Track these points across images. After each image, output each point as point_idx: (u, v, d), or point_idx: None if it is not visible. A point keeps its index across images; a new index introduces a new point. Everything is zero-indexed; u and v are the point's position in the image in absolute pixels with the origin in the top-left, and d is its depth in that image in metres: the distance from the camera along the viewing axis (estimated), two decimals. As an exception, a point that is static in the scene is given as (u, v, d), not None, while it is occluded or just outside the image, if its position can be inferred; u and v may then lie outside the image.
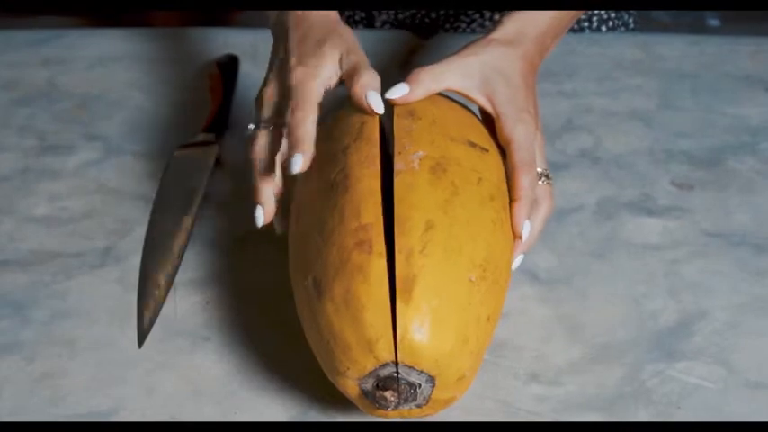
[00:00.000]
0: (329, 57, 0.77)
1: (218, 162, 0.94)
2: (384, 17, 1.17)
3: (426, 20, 1.15)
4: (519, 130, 0.76)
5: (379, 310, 0.65)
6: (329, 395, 0.72)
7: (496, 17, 1.12)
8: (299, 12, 0.81)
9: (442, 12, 1.14)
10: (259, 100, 0.80)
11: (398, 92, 0.76)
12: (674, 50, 1.12)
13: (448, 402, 0.68)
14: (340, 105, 0.78)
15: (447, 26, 1.16)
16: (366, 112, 0.75)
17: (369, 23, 1.18)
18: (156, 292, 0.82)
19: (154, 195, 0.92)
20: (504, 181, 0.75)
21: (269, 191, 0.75)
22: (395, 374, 0.65)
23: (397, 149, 0.71)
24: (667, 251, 0.86)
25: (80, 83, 1.10)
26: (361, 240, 0.67)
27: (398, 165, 0.70)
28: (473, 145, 0.74)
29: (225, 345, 0.79)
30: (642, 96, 1.05)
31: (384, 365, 0.65)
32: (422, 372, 0.65)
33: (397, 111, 0.75)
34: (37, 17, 1.97)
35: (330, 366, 0.68)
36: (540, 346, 0.77)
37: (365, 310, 0.65)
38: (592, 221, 0.89)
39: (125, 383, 0.76)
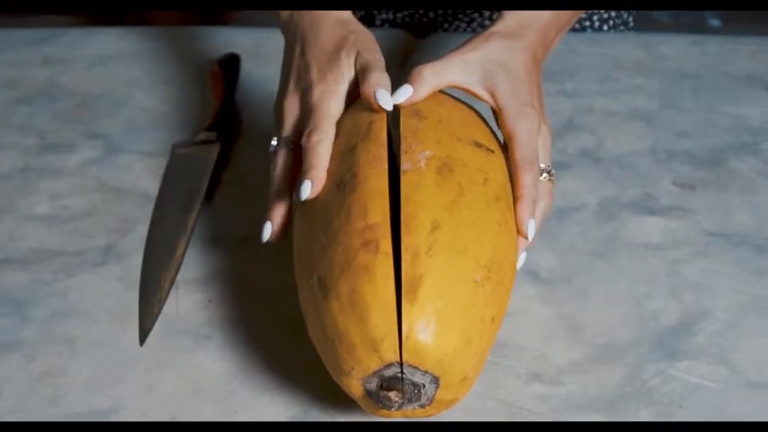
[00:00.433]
0: (346, 65, 0.78)
1: (219, 161, 0.94)
2: (384, 16, 1.17)
3: (424, 19, 1.15)
4: (521, 125, 0.75)
5: (385, 311, 0.65)
6: (331, 395, 0.72)
7: (495, 16, 1.12)
8: (319, 15, 0.82)
9: (440, 11, 1.14)
10: (279, 112, 0.80)
11: (403, 95, 0.75)
12: (676, 50, 1.12)
13: (451, 403, 0.68)
14: (348, 104, 0.78)
15: (446, 26, 1.16)
16: (375, 110, 0.75)
17: (369, 23, 1.18)
18: (158, 291, 0.82)
19: (155, 194, 0.92)
20: (509, 181, 0.75)
21: (280, 210, 0.76)
22: (399, 375, 0.65)
23: (403, 149, 0.71)
24: (669, 251, 0.86)
25: (81, 82, 1.10)
26: (367, 240, 0.67)
27: (405, 164, 0.70)
28: (479, 145, 0.74)
29: (226, 344, 0.78)
30: (643, 96, 1.05)
31: (389, 365, 0.65)
32: (426, 372, 0.65)
33: (403, 110, 0.75)
34: (37, 16, 1.97)
35: (334, 366, 0.68)
36: (541, 346, 0.77)
37: (371, 310, 0.65)
38: (593, 221, 0.89)
39: (125, 382, 0.76)
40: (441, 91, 0.79)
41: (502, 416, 0.72)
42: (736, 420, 0.72)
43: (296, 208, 0.75)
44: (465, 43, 0.79)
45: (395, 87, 0.76)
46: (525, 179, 0.74)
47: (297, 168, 0.76)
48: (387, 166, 0.71)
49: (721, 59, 1.10)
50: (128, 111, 1.06)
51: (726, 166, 0.95)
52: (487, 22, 1.14)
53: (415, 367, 0.65)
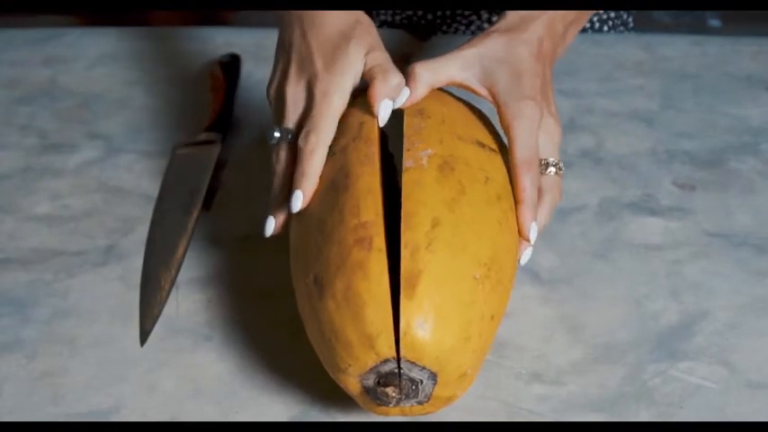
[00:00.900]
0: (355, 59, 0.76)
1: (220, 161, 0.94)
2: (383, 17, 1.17)
3: (423, 21, 1.15)
4: (519, 122, 0.74)
5: (380, 307, 0.65)
6: (330, 394, 0.72)
7: (495, 18, 1.12)
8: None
9: (439, 13, 1.14)
10: (281, 100, 0.78)
11: (401, 98, 0.75)
12: (676, 51, 1.12)
13: (449, 400, 0.68)
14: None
15: (444, 27, 1.15)
16: (372, 114, 0.74)
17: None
18: (158, 291, 0.82)
19: (156, 194, 0.92)
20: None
21: (283, 206, 0.75)
22: (396, 370, 0.65)
23: (405, 146, 0.71)
24: (669, 251, 0.86)
25: (81, 82, 1.10)
26: (361, 237, 0.67)
27: (407, 162, 0.70)
28: (481, 144, 0.74)
29: (226, 344, 0.79)
30: (644, 97, 1.05)
31: (385, 361, 0.65)
32: (424, 368, 0.65)
33: (406, 110, 0.75)
34: (38, 16, 1.97)
35: (331, 363, 0.68)
36: (541, 347, 0.77)
37: (366, 306, 0.65)
38: (594, 222, 0.89)
39: (126, 382, 0.76)
40: (444, 91, 0.79)
41: (502, 416, 0.72)
42: (736, 421, 0.72)
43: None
44: (463, 43, 0.79)
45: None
46: (524, 182, 0.73)
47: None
48: (378, 165, 0.71)
49: (722, 60, 1.10)
50: (128, 111, 1.06)
51: (726, 167, 0.95)
52: (486, 25, 1.14)
53: (412, 363, 0.65)
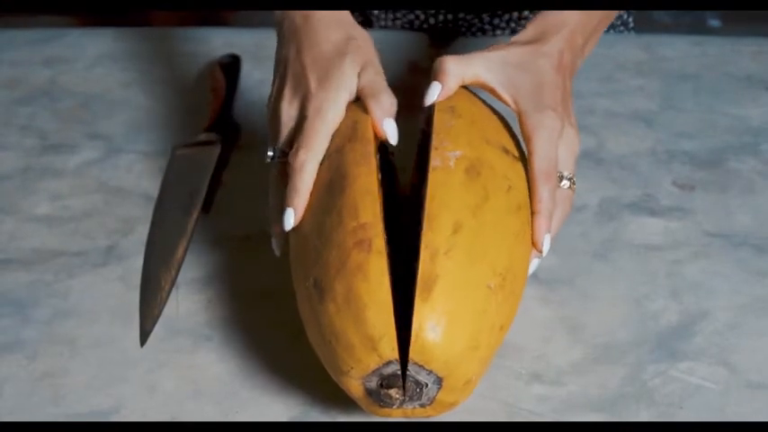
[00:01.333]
0: (348, 75, 0.76)
1: (219, 161, 0.94)
2: (401, 20, 1.16)
3: (440, 24, 1.15)
4: (540, 134, 0.74)
5: (381, 309, 0.65)
6: (331, 395, 0.72)
7: (517, 17, 1.12)
8: (314, 15, 0.80)
9: (461, 16, 1.14)
10: (275, 119, 0.78)
11: (434, 94, 0.75)
12: (676, 51, 1.12)
13: (452, 405, 0.68)
14: None
15: (464, 29, 1.15)
16: (379, 136, 0.74)
17: (368, 25, 1.18)
18: (158, 292, 0.82)
19: (156, 195, 0.92)
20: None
21: (281, 225, 0.74)
22: (398, 372, 0.65)
23: (434, 144, 0.71)
24: (669, 251, 0.86)
25: (81, 82, 1.10)
26: (360, 239, 0.67)
27: (435, 161, 0.70)
28: (506, 151, 0.73)
29: (226, 344, 0.79)
30: (644, 97, 1.05)
31: (387, 363, 0.65)
32: (431, 372, 0.65)
33: (438, 105, 0.75)
34: (38, 17, 1.97)
35: (333, 366, 0.68)
36: (541, 347, 0.77)
37: (367, 308, 0.65)
38: (594, 222, 0.89)
39: (126, 382, 0.76)
40: (470, 91, 0.78)
41: (502, 416, 0.72)
42: (736, 421, 0.72)
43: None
44: (486, 48, 0.78)
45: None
46: (542, 193, 0.73)
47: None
48: (375, 165, 0.71)
49: (722, 60, 1.10)
50: (128, 111, 1.06)
51: (726, 167, 0.95)
52: (509, 26, 1.13)
53: (420, 366, 0.65)
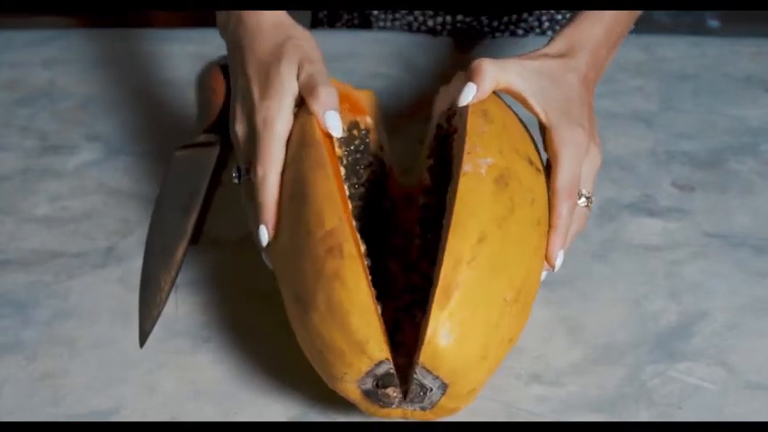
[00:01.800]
0: (287, 77, 0.75)
1: (219, 162, 0.94)
2: (429, 23, 1.15)
3: (438, 26, 1.14)
4: (567, 148, 0.73)
5: (364, 312, 0.65)
6: (330, 396, 0.72)
7: (511, 27, 1.12)
8: (251, 21, 0.79)
9: (459, 18, 1.13)
10: (233, 136, 0.78)
11: (469, 95, 0.74)
12: (676, 52, 1.12)
13: (452, 411, 0.68)
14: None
15: (463, 31, 1.14)
16: (324, 129, 0.74)
17: (365, 24, 1.17)
18: (158, 293, 0.82)
19: (155, 196, 0.92)
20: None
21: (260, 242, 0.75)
22: (392, 371, 0.66)
23: (467, 148, 0.70)
24: (668, 252, 0.86)
25: (81, 83, 1.10)
26: (330, 246, 0.67)
27: (466, 165, 0.69)
28: (531, 162, 0.73)
29: (225, 345, 0.79)
30: (643, 98, 1.05)
31: (379, 364, 0.65)
32: (437, 377, 0.65)
33: (471, 107, 0.74)
34: (37, 18, 1.97)
35: (328, 374, 0.68)
36: (541, 347, 0.78)
37: (350, 314, 0.65)
38: (593, 223, 0.89)
39: (126, 383, 0.76)
40: (500, 97, 0.77)
41: (501, 417, 0.73)
42: (734, 421, 0.72)
43: None
44: (518, 55, 0.77)
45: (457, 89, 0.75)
46: (562, 209, 0.72)
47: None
48: (331, 167, 0.70)
49: (721, 61, 1.10)
50: (128, 112, 1.06)
51: (725, 168, 0.96)
52: (517, 31, 1.13)
53: (428, 371, 0.65)
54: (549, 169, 0.74)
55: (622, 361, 0.76)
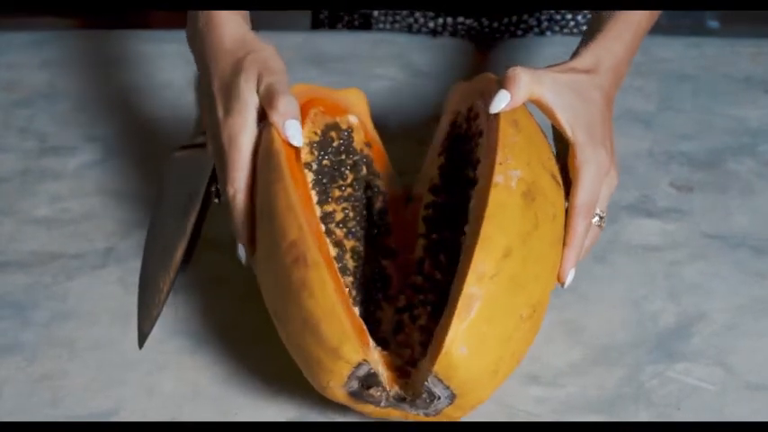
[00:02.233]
0: (246, 92, 0.75)
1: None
2: (450, 28, 1.15)
3: (439, 27, 1.14)
4: (590, 168, 0.73)
5: (333, 318, 0.66)
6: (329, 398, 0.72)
7: (511, 28, 1.12)
8: (213, 39, 0.79)
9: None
10: (214, 159, 0.79)
11: (502, 102, 0.72)
12: (675, 52, 1.12)
13: (452, 419, 0.69)
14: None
15: (462, 33, 1.14)
16: (282, 138, 0.73)
17: (366, 25, 1.17)
18: (157, 294, 0.82)
19: (154, 197, 0.92)
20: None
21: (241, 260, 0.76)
22: (372, 371, 0.66)
23: (498, 159, 0.69)
24: (667, 253, 0.86)
25: (80, 84, 1.10)
26: (295, 258, 0.67)
27: (497, 177, 0.68)
28: (554, 176, 0.72)
29: (225, 347, 0.79)
30: (642, 98, 1.05)
31: (358, 366, 0.66)
32: (448, 387, 0.66)
33: (503, 115, 0.72)
34: (36, 19, 1.97)
35: (316, 383, 0.69)
36: (540, 348, 0.77)
37: (320, 322, 0.66)
38: (592, 223, 0.89)
39: (125, 385, 0.76)
40: (525, 106, 0.76)
41: (501, 417, 0.73)
42: (733, 421, 0.72)
43: None
44: (550, 66, 0.77)
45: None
46: (579, 227, 0.72)
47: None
48: (289, 176, 0.70)
49: (720, 61, 1.10)
50: (127, 114, 1.06)
51: (724, 168, 0.96)
52: (531, 29, 1.13)
53: (440, 380, 0.65)
54: (567, 184, 0.74)
55: (621, 361, 0.76)
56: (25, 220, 0.92)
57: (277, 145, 0.72)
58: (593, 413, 0.73)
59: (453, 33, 1.14)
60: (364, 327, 0.68)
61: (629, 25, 0.81)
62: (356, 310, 0.70)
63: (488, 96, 0.74)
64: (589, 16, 1.14)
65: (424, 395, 0.66)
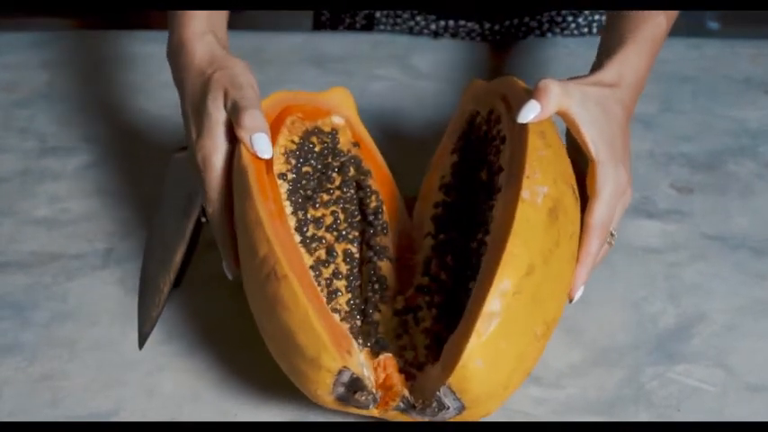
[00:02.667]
0: (214, 110, 0.76)
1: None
2: (462, 31, 1.15)
3: (440, 30, 1.14)
4: (609, 188, 0.73)
5: (308, 329, 0.66)
6: (329, 397, 0.72)
7: (512, 30, 1.12)
8: (185, 58, 0.81)
9: (461, 22, 1.13)
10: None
11: (531, 113, 0.72)
12: (675, 54, 1.12)
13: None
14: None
15: (463, 35, 1.14)
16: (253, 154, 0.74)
17: (368, 28, 1.17)
18: (157, 295, 0.82)
19: (154, 198, 0.92)
20: None
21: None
22: (354, 376, 0.66)
23: (527, 172, 0.68)
24: (667, 254, 0.86)
25: (80, 85, 1.10)
26: (267, 273, 0.68)
27: (525, 192, 0.68)
28: (574, 192, 0.72)
29: (225, 347, 0.79)
30: (643, 99, 1.04)
31: (340, 373, 0.66)
32: (459, 399, 0.65)
33: (531, 126, 0.72)
34: (36, 19, 1.97)
35: (306, 393, 0.69)
36: (539, 349, 0.77)
37: (296, 335, 0.66)
38: (592, 224, 0.89)
39: (125, 385, 0.76)
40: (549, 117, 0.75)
41: (501, 418, 0.73)
42: (734, 421, 0.72)
43: None
44: (576, 78, 0.76)
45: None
46: (593, 245, 0.72)
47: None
48: (258, 192, 0.70)
49: (720, 63, 1.11)
50: (127, 114, 1.06)
51: (724, 170, 0.96)
52: (540, 29, 1.13)
53: (452, 392, 0.65)
54: (583, 197, 0.73)
55: (621, 363, 0.76)
56: (25, 220, 0.92)
57: (245, 161, 0.73)
58: (593, 414, 0.73)
59: (454, 36, 1.14)
60: (346, 332, 0.68)
61: (648, 40, 0.81)
62: (337, 317, 0.70)
63: (514, 103, 0.73)
64: (590, 18, 1.15)
65: (434, 405, 0.66)
